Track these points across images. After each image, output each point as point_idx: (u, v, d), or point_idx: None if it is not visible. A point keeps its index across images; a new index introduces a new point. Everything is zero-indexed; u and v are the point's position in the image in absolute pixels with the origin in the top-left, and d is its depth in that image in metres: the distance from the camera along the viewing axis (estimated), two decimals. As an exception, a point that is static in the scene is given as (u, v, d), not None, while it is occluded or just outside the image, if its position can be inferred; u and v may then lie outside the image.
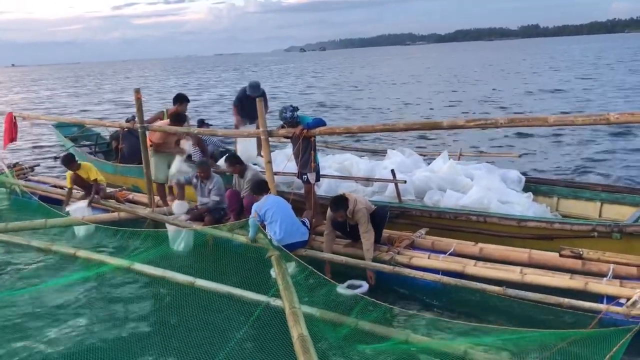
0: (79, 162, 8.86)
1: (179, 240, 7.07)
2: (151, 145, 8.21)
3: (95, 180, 8.59)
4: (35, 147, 18.01)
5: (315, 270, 5.77)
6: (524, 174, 8.46)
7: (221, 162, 9.30)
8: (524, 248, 6.01)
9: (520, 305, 5.16)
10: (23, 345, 5.17)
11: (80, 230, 8.05)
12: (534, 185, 7.94)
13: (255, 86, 9.40)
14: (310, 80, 51.03)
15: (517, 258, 5.83)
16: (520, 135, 15.94)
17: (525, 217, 6.61)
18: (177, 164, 8.06)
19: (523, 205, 7.17)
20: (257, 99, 7.12)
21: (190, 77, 70.33)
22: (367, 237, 6.15)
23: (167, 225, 7.34)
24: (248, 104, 9.40)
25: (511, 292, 5.09)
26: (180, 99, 8.99)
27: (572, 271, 5.40)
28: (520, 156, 9.87)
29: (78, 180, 8.67)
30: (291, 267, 6.03)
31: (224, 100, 31.68)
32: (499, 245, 6.17)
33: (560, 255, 5.54)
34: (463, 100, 26.78)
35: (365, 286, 5.70)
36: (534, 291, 5.09)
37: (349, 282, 5.75)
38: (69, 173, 8.74)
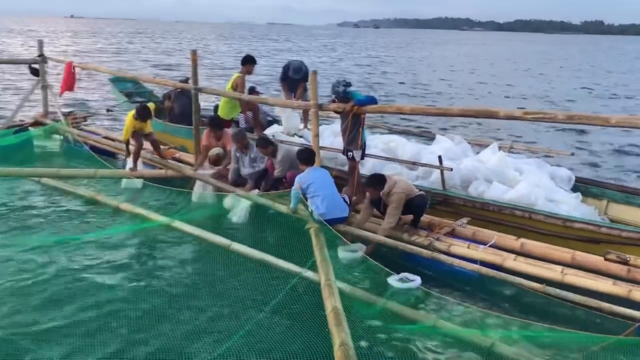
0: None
1: (239, 210, 7.13)
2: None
3: (150, 133, 8.60)
4: (88, 97, 18.53)
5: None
6: (573, 172, 8.22)
7: (269, 131, 9.39)
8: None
9: (553, 304, 5.09)
10: (59, 294, 5.34)
11: (127, 183, 8.26)
12: (583, 186, 7.71)
13: (297, 69, 9.40)
14: (362, 58, 50.57)
15: (559, 257, 5.67)
16: (576, 132, 15.53)
17: (572, 218, 6.44)
18: (199, 188, 7.86)
19: (570, 205, 6.98)
20: (310, 74, 7.11)
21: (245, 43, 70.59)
22: (389, 219, 6.23)
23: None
24: (290, 82, 9.45)
25: (551, 290, 5.02)
26: (250, 60, 9.07)
27: (615, 277, 5.24)
28: (572, 154, 9.58)
29: (135, 135, 8.45)
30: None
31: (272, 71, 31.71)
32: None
33: (605, 259, 5.40)
34: (518, 93, 26.16)
35: (418, 281, 5.49)
36: (574, 292, 5.01)
37: (402, 274, 5.57)
38: (131, 122, 8.32)
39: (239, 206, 7.14)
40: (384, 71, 36.50)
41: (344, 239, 6.03)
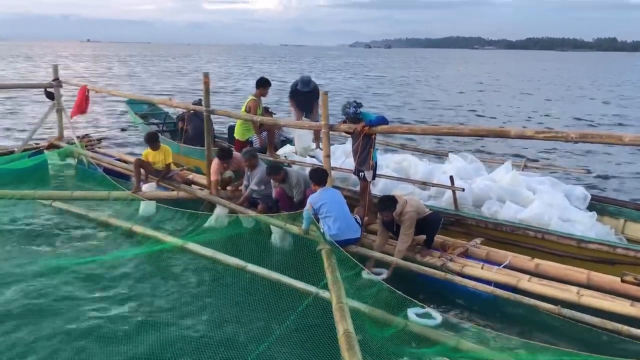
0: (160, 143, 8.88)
1: (283, 238, 7.09)
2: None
3: (169, 164, 8.68)
4: (103, 120, 18.75)
5: (364, 267, 5.78)
6: (589, 191, 8.10)
7: (281, 151, 9.42)
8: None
9: (572, 327, 4.99)
10: (70, 317, 5.34)
11: (142, 210, 8.20)
12: (599, 205, 7.61)
13: (306, 81, 9.50)
14: (375, 78, 50.77)
15: (575, 278, 5.60)
16: (591, 152, 15.38)
17: (586, 238, 6.32)
18: (217, 212, 7.79)
19: (585, 225, 6.88)
20: (322, 93, 7.13)
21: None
22: (404, 239, 6.18)
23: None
24: (299, 98, 9.49)
25: (566, 312, 4.93)
26: (263, 83, 9.14)
27: (633, 298, 5.14)
28: (588, 172, 9.42)
29: (144, 164, 8.66)
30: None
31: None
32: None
33: (622, 281, 5.29)
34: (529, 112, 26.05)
35: (438, 320, 5.30)
36: (590, 314, 4.92)
37: (426, 310, 5.40)
38: (146, 154, 8.81)
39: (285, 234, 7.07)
40: (379, 91, 36.55)
41: (356, 261, 5.97)
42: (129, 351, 4.75)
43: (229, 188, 8.29)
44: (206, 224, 7.43)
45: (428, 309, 5.39)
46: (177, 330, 5.11)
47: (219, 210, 7.68)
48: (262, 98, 9.28)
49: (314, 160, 8.89)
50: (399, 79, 48.74)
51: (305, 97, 9.58)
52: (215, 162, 8.11)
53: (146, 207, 8.12)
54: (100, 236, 7.48)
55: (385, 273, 6.09)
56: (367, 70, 63.72)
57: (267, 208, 7.52)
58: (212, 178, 8.07)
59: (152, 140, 8.77)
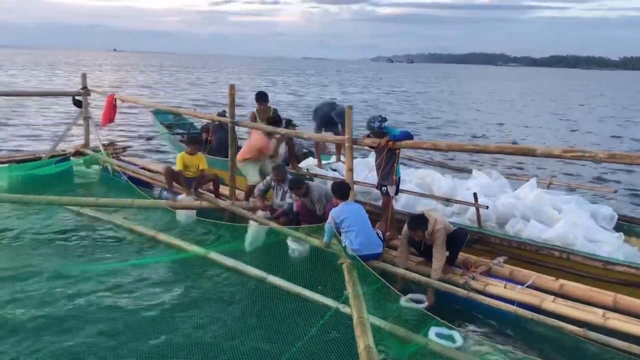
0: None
1: (302, 251, 7.06)
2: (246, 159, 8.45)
3: (203, 171, 8.74)
4: (128, 129, 19.02)
5: (388, 284, 5.74)
6: (617, 211, 7.96)
7: (303, 164, 9.45)
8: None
9: (595, 350, 4.90)
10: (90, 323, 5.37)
11: (181, 219, 8.27)
12: (627, 225, 7.47)
13: (340, 114, 9.43)
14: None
15: (600, 300, 5.46)
16: (618, 171, 15.15)
17: (613, 260, 6.20)
18: (254, 231, 7.51)
19: (612, 246, 6.75)
20: (347, 107, 7.14)
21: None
22: (438, 257, 6.06)
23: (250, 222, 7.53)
24: (328, 124, 9.46)
25: (592, 335, 4.83)
26: (260, 98, 9.43)
27: (662, 323, 5.02)
28: (615, 192, 9.27)
29: (175, 173, 8.61)
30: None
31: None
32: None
33: (651, 305, 5.19)
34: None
35: (459, 343, 5.13)
36: (616, 338, 4.81)
37: (452, 332, 5.20)
38: (181, 157, 8.74)
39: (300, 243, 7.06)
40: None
41: (378, 276, 5.93)
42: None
43: (252, 198, 8.34)
44: (246, 245, 7.26)
45: (452, 332, 5.22)
46: (193, 339, 5.11)
47: (254, 228, 7.50)
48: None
49: (335, 174, 8.90)
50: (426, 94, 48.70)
51: (333, 125, 9.52)
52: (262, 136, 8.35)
53: (187, 213, 8.23)
54: (124, 243, 7.56)
55: (425, 302, 5.84)
56: (393, 85, 63.85)
57: (288, 220, 7.55)
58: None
59: (195, 142, 8.84)
